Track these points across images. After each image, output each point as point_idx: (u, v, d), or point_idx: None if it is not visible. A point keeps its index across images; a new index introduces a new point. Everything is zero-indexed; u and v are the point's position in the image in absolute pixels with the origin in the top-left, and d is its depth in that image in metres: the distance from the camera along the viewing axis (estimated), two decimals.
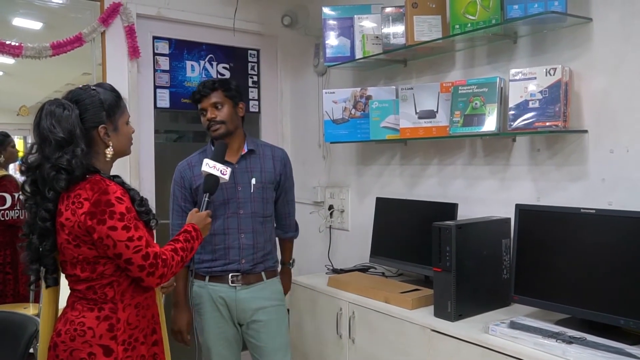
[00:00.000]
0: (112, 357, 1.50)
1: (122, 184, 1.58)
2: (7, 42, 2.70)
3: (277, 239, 2.42)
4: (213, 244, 2.19)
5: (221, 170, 1.94)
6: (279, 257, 2.44)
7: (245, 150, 2.26)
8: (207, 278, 2.21)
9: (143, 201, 1.61)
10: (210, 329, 2.21)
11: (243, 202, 2.21)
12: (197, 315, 2.27)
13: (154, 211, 1.67)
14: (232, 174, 2.21)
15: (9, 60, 2.78)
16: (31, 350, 2.05)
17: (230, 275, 2.19)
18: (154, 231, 1.68)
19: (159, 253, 1.54)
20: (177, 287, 2.17)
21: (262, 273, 2.25)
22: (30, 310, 2.50)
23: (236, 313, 2.22)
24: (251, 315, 2.22)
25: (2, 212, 2.86)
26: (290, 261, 2.49)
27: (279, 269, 2.40)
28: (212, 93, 2.19)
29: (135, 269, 1.50)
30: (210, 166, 1.93)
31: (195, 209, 1.85)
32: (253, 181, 2.23)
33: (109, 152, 1.59)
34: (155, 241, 1.62)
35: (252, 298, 2.22)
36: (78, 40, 2.86)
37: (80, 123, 1.52)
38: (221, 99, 2.19)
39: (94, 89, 1.59)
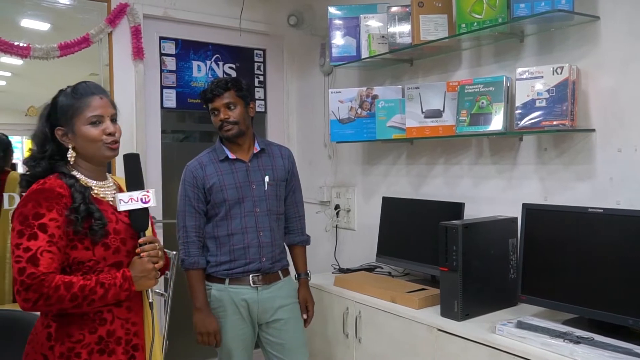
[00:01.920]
0: None
1: (71, 185, 1.48)
2: (15, 43, 2.72)
3: (286, 247, 2.38)
4: (230, 244, 2.18)
5: (141, 199, 1.52)
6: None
7: (258, 149, 2.26)
8: (226, 281, 2.19)
9: (78, 209, 1.44)
10: (232, 332, 2.19)
11: (258, 200, 2.21)
12: None
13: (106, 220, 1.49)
14: (246, 172, 2.22)
15: (17, 61, 2.80)
16: None
17: (251, 276, 2.19)
18: (109, 242, 1.49)
19: (39, 275, 1.34)
20: (196, 290, 2.16)
21: (279, 272, 2.27)
22: None
23: (257, 314, 2.21)
24: (272, 314, 2.22)
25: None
26: (308, 272, 2.38)
27: (296, 280, 2.37)
28: (225, 93, 2.17)
29: (13, 279, 1.37)
30: (125, 202, 1.51)
31: (136, 257, 1.53)
32: (267, 179, 2.23)
33: (70, 154, 1.54)
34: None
35: (273, 297, 2.22)
36: (85, 41, 2.88)
37: (46, 125, 1.55)
38: (234, 99, 2.18)
39: (63, 90, 1.59)
